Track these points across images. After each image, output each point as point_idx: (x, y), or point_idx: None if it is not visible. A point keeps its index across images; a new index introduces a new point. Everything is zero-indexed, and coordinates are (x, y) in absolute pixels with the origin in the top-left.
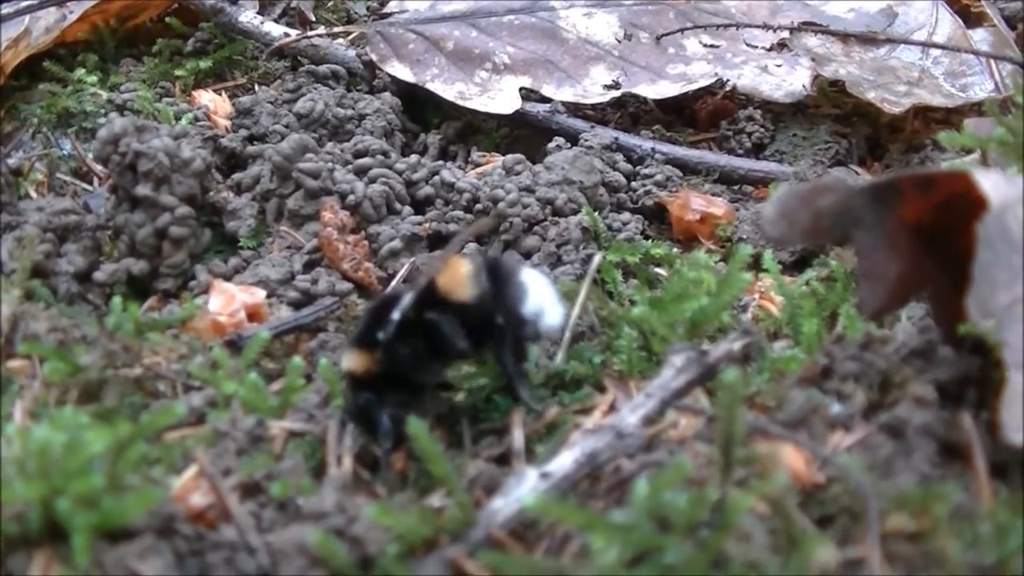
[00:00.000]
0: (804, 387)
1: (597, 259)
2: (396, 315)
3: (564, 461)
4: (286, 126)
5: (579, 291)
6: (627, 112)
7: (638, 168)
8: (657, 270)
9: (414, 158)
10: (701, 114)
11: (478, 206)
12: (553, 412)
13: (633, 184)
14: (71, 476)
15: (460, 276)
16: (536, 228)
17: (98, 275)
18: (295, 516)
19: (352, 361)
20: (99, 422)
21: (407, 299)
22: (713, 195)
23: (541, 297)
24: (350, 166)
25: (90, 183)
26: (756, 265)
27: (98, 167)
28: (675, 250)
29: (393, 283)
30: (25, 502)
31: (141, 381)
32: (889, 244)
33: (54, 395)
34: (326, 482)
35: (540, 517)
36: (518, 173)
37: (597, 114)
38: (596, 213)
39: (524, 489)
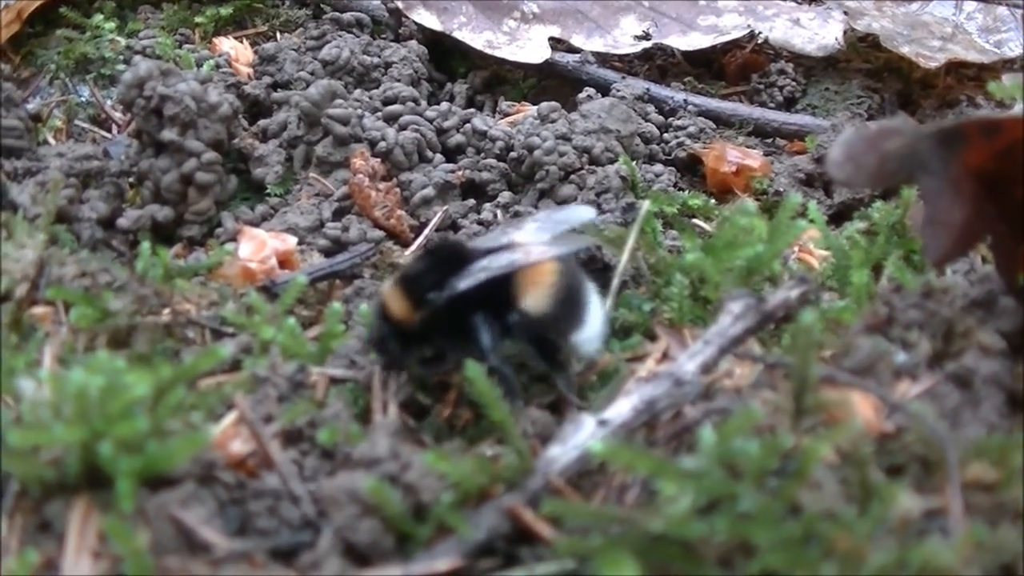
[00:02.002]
0: (869, 335)
1: (645, 206)
2: (460, 285)
3: (622, 408)
4: (311, 73)
5: (627, 237)
6: (655, 64)
7: (670, 120)
8: (695, 221)
9: (444, 106)
10: (730, 67)
11: (512, 154)
12: (605, 359)
13: (665, 136)
14: (113, 420)
15: (542, 285)
16: (572, 177)
17: (122, 221)
18: (343, 463)
19: (393, 300)
20: (135, 367)
21: (478, 273)
22: (747, 147)
23: (594, 326)
24: (379, 113)
25: (108, 130)
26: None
27: (117, 114)
28: (712, 202)
29: (426, 232)
30: (64, 447)
31: (171, 327)
32: (954, 190)
33: (82, 341)
34: (377, 428)
35: (607, 462)
36: (553, 121)
37: (625, 66)
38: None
39: (582, 436)
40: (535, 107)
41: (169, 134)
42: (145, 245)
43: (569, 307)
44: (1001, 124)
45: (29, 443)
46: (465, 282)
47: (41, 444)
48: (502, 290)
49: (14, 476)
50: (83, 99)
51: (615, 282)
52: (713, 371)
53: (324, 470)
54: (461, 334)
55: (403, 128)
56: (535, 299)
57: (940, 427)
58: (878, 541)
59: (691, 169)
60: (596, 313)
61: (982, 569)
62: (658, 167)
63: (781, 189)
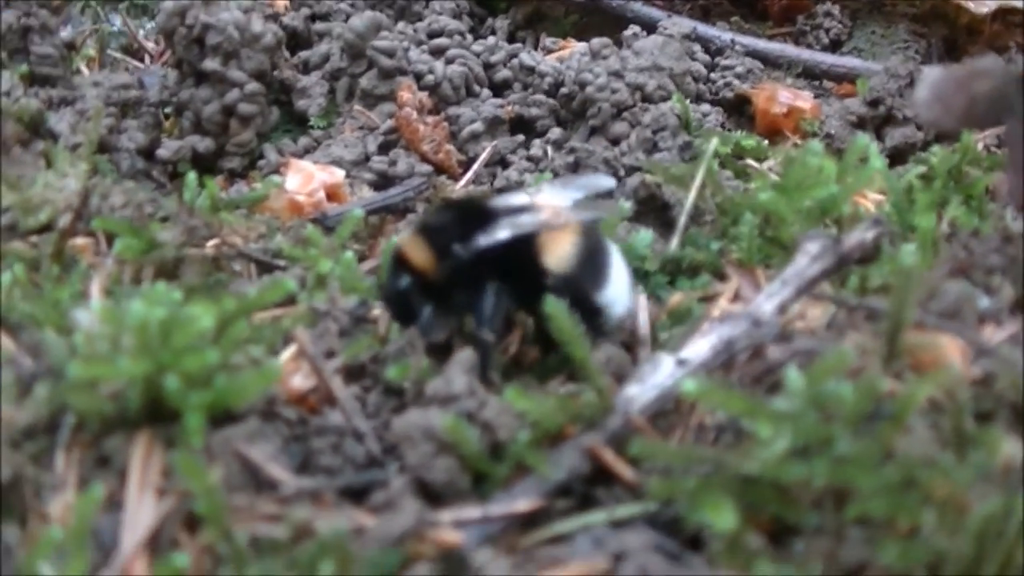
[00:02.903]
0: (954, 279)
1: (713, 144)
2: (482, 241)
3: (700, 348)
4: (351, 5)
5: (695, 175)
6: (698, 4)
7: (716, 60)
8: (749, 162)
9: (491, 40)
10: (773, 8)
11: (563, 90)
12: (676, 298)
13: (712, 76)
14: (181, 353)
15: (564, 245)
16: (624, 114)
17: (161, 152)
18: (414, 400)
19: (412, 248)
20: (196, 299)
21: (502, 230)
22: (797, 89)
23: (619, 287)
24: (424, 46)
25: (141, 60)
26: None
27: (150, 44)
28: (764, 143)
29: (474, 167)
30: (127, 380)
31: (219, 259)
32: None
33: (128, 273)
34: (453, 363)
35: (693, 402)
36: (605, 57)
37: (668, 4)
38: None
39: (661, 376)
40: (582, 43)
41: (211, 64)
42: (191, 175)
43: (592, 268)
44: None
45: (91, 376)
46: (495, 235)
47: (104, 377)
48: (523, 252)
49: (71, 409)
50: (115, 28)
51: (682, 220)
52: (787, 312)
53: (388, 407)
54: (476, 293)
55: (450, 62)
56: (559, 256)
57: None
58: (978, 489)
59: (738, 110)
60: (620, 275)
61: None
62: (705, 107)
63: (832, 132)
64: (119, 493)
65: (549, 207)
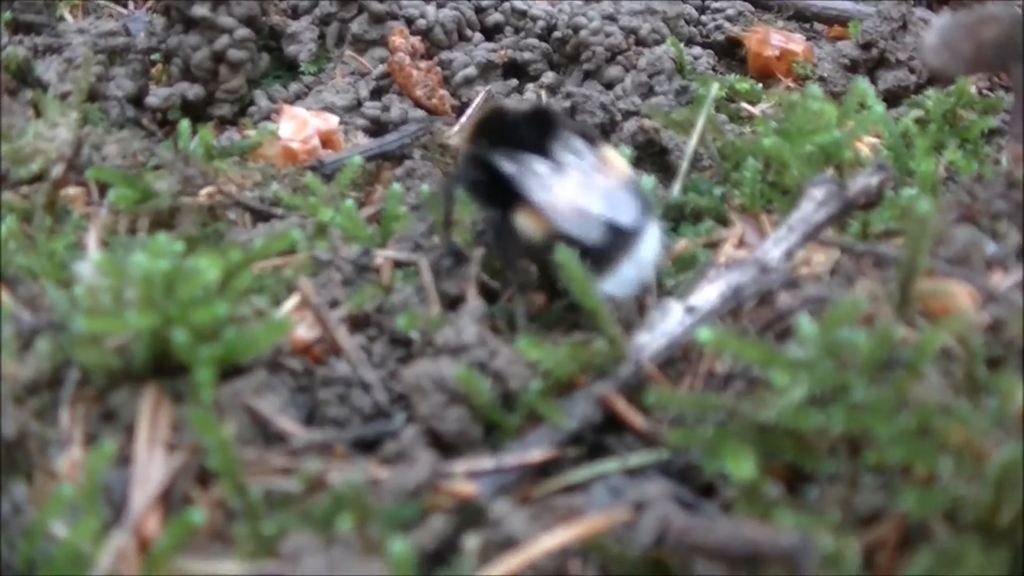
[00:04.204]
0: (961, 224)
1: (714, 89)
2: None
3: (709, 295)
4: None
5: (696, 120)
6: None
7: (707, 2)
8: (744, 105)
9: None
10: None
11: (556, 34)
12: (681, 245)
13: (703, 18)
14: (189, 306)
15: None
16: (619, 57)
17: (151, 99)
18: (423, 350)
19: None
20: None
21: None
22: (788, 32)
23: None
24: None
25: (125, 6)
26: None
27: None
28: (759, 86)
29: (468, 112)
30: (134, 334)
31: (215, 208)
32: None
33: (123, 223)
34: (463, 313)
35: (702, 349)
36: (598, 0)
37: None
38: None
39: (670, 324)
40: None
41: (201, 10)
42: (184, 123)
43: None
44: None
45: (97, 330)
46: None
47: (109, 331)
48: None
49: (74, 364)
50: None
51: (683, 165)
52: (793, 258)
53: (394, 356)
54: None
55: (441, 5)
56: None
57: None
58: (994, 435)
59: (729, 52)
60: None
61: None
62: (696, 49)
63: (825, 75)
64: (127, 448)
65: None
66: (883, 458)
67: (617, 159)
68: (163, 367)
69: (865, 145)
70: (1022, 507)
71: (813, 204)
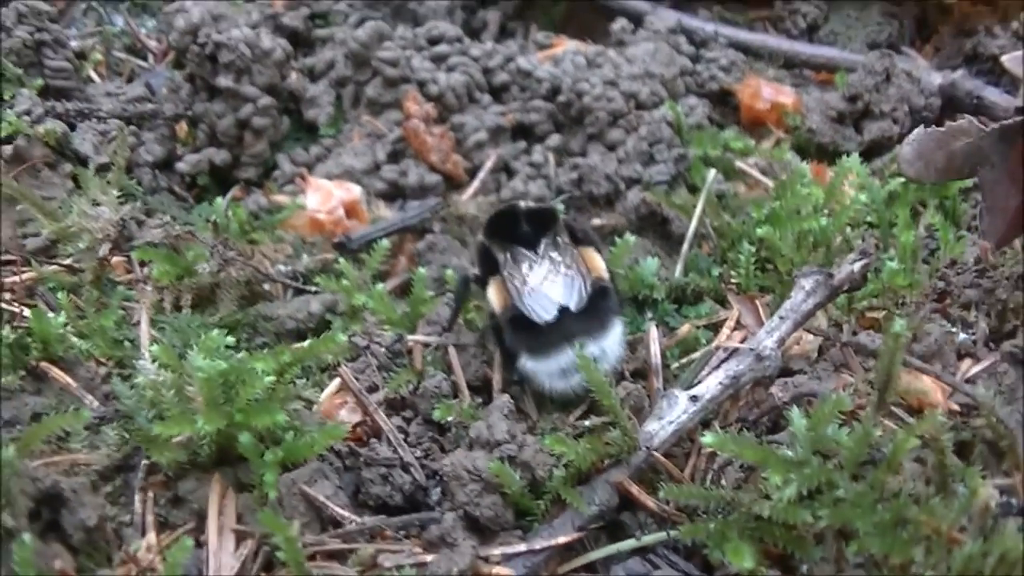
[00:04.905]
0: (935, 317)
1: (711, 177)
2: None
3: (710, 384)
4: (349, 5)
5: (696, 204)
6: None
7: (701, 51)
8: (739, 164)
9: (489, 45)
10: None
11: (560, 98)
12: (684, 329)
13: (698, 68)
14: (250, 411)
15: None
16: (620, 121)
17: (181, 166)
18: (456, 439)
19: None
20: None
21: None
22: (776, 80)
23: None
24: (425, 52)
25: (144, 59)
26: (827, 155)
27: (152, 43)
28: (751, 142)
29: (480, 175)
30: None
31: (251, 283)
32: (1010, 179)
33: (167, 298)
34: (492, 410)
35: (717, 451)
36: (600, 65)
37: None
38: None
39: (677, 412)
40: (573, 42)
41: (225, 81)
42: (219, 201)
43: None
44: None
45: (173, 433)
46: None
47: (182, 433)
48: None
49: (142, 452)
50: (118, 28)
51: (684, 248)
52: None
53: (428, 436)
54: None
55: (451, 69)
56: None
57: (1010, 419)
58: (961, 525)
59: (723, 101)
60: None
61: None
62: (692, 99)
63: (813, 126)
64: (195, 532)
65: None
66: (864, 548)
67: (596, 259)
68: (225, 458)
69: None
70: None
71: (803, 294)
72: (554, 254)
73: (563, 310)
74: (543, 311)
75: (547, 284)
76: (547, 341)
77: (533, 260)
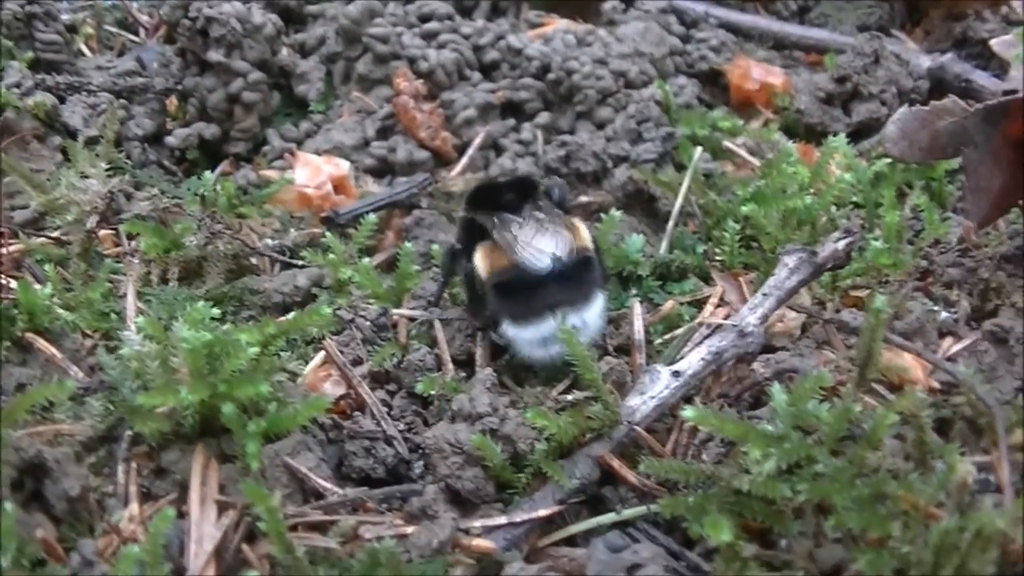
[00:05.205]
0: (917, 295)
1: (697, 154)
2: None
3: (692, 360)
4: None
5: (681, 182)
6: None
7: (691, 31)
8: (727, 143)
9: (479, 23)
10: None
11: (550, 76)
12: (668, 306)
13: (688, 48)
14: (234, 382)
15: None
16: (609, 100)
17: (171, 140)
18: (439, 412)
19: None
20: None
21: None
22: (766, 61)
23: None
24: (416, 30)
25: (136, 33)
26: (815, 136)
27: (144, 17)
28: (740, 122)
29: (469, 151)
30: (185, 404)
31: (239, 257)
32: (993, 160)
33: (155, 271)
34: (475, 383)
35: (698, 425)
36: (589, 44)
37: None
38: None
39: (659, 388)
40: (565, 21)
41: (216, 55)
42: (208, 175)
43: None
44: None
45: (155, 404)
46: None
47: (165, 404)
48: None
49: (126, 423)
50: (109, 3)
51: (670, 225)
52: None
53: (411, 409)
54: None
55: (442, 47)
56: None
57: (990, 397)
58: (939, 502)
59: (713, 81)
60: None
61: None
62: (682, 79)
63: (802, 107)
64: (178, 503)
65: None
66: (842, 523)
67: (581, 229)
68: (209, 429)
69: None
70: (958, 569)
71: (786, 271)
72: (539, 215)
73: (549, 275)
74: (537, 260)
75: (537, 238)
76: (530, 309)
77: (520, 222)
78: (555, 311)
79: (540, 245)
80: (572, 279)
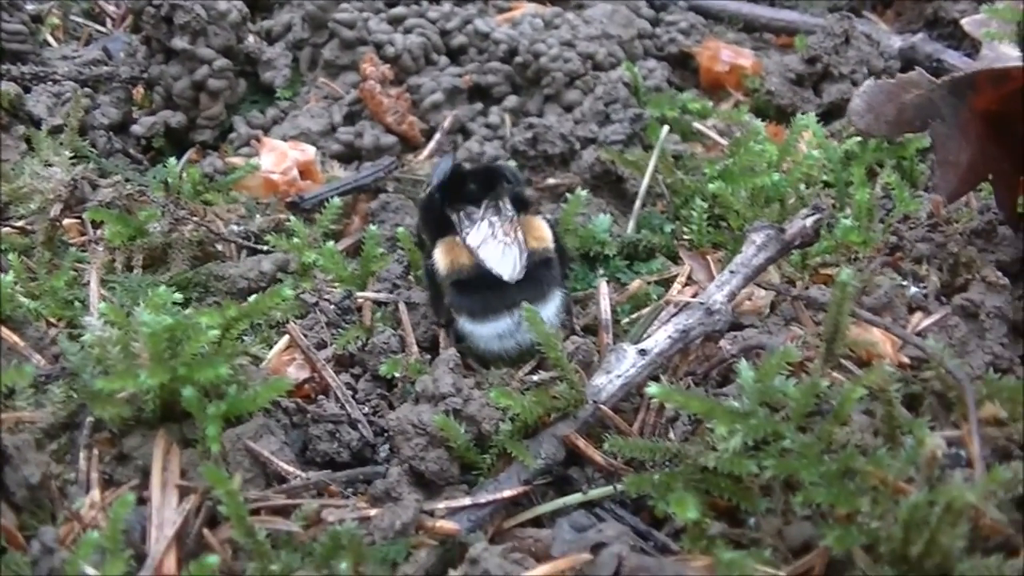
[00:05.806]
0: (885, 269)
1: (663, 132)
2: None
3: (659, 338)
4: None
5: (648, 161)
6: None
7: (661, 14)
8: (696, 126)
9: (447, 7)
10: None
11: (518, 59)
12: (635, 285)
13: (657, 31)
14: (194, 365)
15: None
16: (577, 82)
17: (136, 128)
18: (403, 395)
19: None
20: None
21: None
22: (736, 44)
23: None
24: (383, 15)
25: (103, 24)
26: (786, 117)
27: (111, 7)
28: (709, 104)
29: (437, 136)
30: (145, 389)
31: (204, 243)
32: (961, 134)
33: (119, 258)
34: (438, 363)
35: (662, 402)
36: (557, 27)
37: None
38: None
39: (625, 366)
40: (532, 4)
41: (180, 42)
42: (172, 161)
43: None
44: (1008, 73)
45: (114, 388)
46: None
47: (125, 388)
48: None
49: (88, 409)
50: None
51: (636, 205)
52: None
53: (376, 392)
54: None
55: (408, 31)
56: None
57: (960, 370)
58: (908, 476)
59: (683, 64)
60: None
61: (999, 502)
62: (651, 62)
63: (772, 88)
64: (140, 489)
65: None
66: (810, 499)
67: (542, 228)
68: (170, 414)
69: (807, 168)
70: (928, 544)
71: (753, 248)
72: (497, 219)
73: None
74: (501, 272)
75: (484, 248)
76: (487, 307)
77: (480, 224)
78: (512, 310)
79: (502, 256)
80: (531, 279)
